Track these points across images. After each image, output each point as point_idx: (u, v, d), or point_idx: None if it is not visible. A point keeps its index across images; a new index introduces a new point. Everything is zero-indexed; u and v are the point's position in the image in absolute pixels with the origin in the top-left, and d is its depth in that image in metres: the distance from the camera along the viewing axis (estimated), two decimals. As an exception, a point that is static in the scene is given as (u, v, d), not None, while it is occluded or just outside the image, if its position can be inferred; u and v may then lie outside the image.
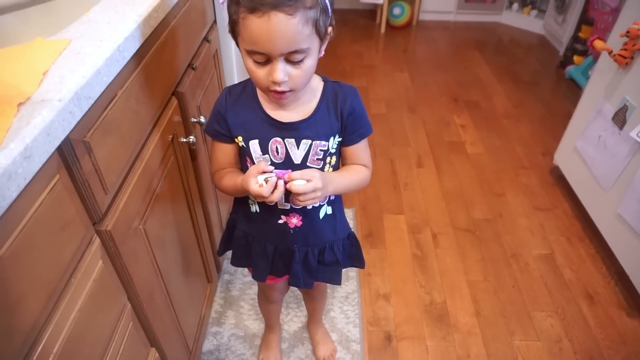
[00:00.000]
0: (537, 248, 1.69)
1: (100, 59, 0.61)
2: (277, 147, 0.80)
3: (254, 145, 0.80)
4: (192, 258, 1.14)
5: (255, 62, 0.69)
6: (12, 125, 0.47)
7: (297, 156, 0.80)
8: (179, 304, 1.02)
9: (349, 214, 1.80)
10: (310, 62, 0.71)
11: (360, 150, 0.87)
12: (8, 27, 0.73)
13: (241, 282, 1.53)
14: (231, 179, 0.84)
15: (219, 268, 1.47)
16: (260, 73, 0.70)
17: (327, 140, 0.81)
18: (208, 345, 1.35)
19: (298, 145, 0.80)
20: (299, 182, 0.74)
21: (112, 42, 0.65)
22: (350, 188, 0.87)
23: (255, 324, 1.41)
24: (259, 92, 0.81)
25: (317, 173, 0.76)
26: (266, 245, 0.93)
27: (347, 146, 0.86)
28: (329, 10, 0.70)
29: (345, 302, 1.48)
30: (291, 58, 0.68)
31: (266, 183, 0.74)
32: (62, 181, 0.56)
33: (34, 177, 0.49)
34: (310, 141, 0.80)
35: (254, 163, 0.82)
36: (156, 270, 0.88)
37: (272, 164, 0.81)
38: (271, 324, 1.32)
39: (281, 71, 0.68)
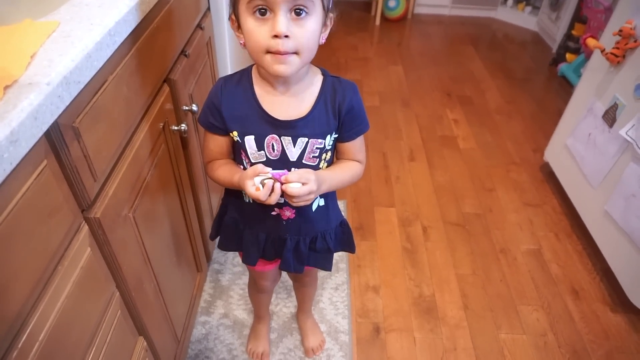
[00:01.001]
0: (525, 243, 1.71)
1: (90, 43, 0.60)
2: (273, 144, 0.79)
3: (250, 141, 0.79)
4: (182, 247, 1.13)
5: (256, 17, 0.66)
6: (-1, 108, 0.46)
7: (293, 154, 0.80)
8: (168, 293, 1.01)
9: (341, 206, 1.80)
10: (313, 25, 0.68)
11: (355, 146, 0.86)
12: (-5, 8, 0.71)
13: (231, 272, 1.53)
14: (226, 173, 0.83)
15: (208, 257, 1.47)
16: (261, 31, 0.66)
17: (324, 138, 0.80)
18: (197, 334, 1.35)
19: (295, 143, 0.79)
20: (295, 184, 0.74)
21: (103, 26, 0.64)
22: (343, 185, 0.87)
23: (244, 314, 1.41)
24: (255, 85, 0.78)
25: (312, 175, 0.76)
26: (258, 234, 0.93)
27: (343, 142, 0.85)
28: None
29: (334, 293, 1.48)
30: (295, 6, 0.65)
31: (263, 186, 0.74)
32: (49, 167, 0.55)
33: (20, 161, 0.48)
34: (307, 139, 0.79)
35: (248, 157, 0.81)
36: (145, 258, 0.87)
37: (268, 160, 0.80)
38: (261, 314, 1.32)
39: (283, 22, 0.64)
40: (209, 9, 1.29)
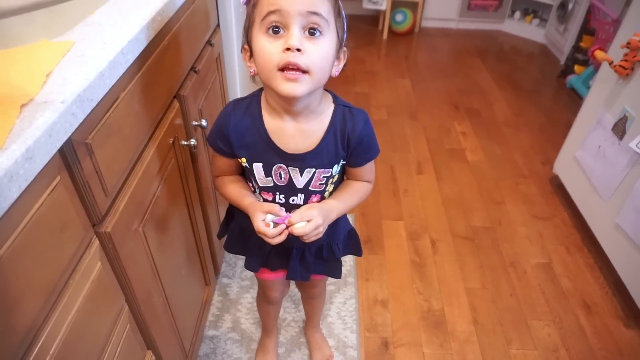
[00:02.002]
0: (535, 257, 1.69)
1: (103, 62, 0.62)
2: (280, 173, 0.80)
3: (258, 168, 0.80)
4: (191, 261, 1.14)
5: (269, 35, 0.65)
6: (15, 127, 0.48)
7: (299, 182, 0.81)
8: (176, 307, 1.02)
9: (349, 219, 1.80)
10: (327, 46, 0.67)
11: (365, 169, 0.86)
12: (13, 28, 0.74)
13: (239, 285, 1.53)
14: (236, 193, 0.85)
15: (217, 271, 1.47)
16: (272, 47, 0.65)
17: (331, 168, 0.81)
18: (205, 348, 1.35)
19: (302, 173, 0.80)
20: (300, 224, 0.76)
21: (115, 45, 0.66)
22: (352, 207, 0.88)
23: (252, 328, 1.41)
24: (265, 114, 0.78)
25: (315, 211, 0.77)
26: (264, 243, 0.93)
27: (353, 167, 0.85)
28: (344, 24, 0.71)
29: (342, 307, 1.48)
30: (309, 24, 0.64)
31: (273, 224, 0.76)
32: (62, 182, 0.56)
33: (35, 178, 0.49)
34: (314, 170, 0.80)
35: (256, 182, 0.82)
36: (154, 272, 0.88)
37: (275, 185, 0.81)
38: (269, 327, 1.32)
39: (297, 35, 0.64)
40: (218, 25, 1.31)
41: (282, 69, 0.66)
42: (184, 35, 0.99)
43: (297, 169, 0.79)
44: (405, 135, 2.37)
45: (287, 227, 0.77)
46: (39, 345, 0.53)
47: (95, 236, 0.66)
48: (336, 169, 0.82)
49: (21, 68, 0.57)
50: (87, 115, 0.59)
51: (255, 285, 1.52)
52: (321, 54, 0.67)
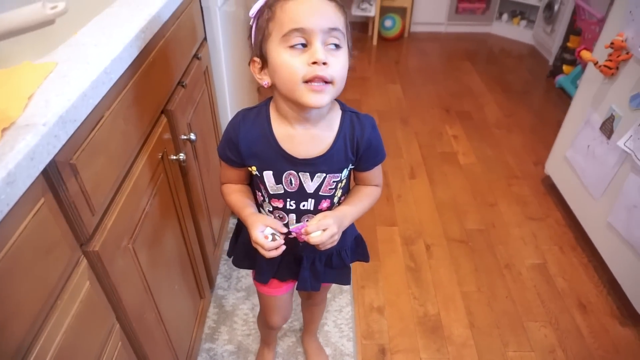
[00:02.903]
0: (530, 258, 1.70)
1: (86, 82, 0.62)
2: (291, 179, 0.81)
3: (268, 176, 0.81)
4: (184, 274, 1.14)
5: (292, 48, 0.67)
6: (-4, 151, 0.48)
7: (310, 187, 0.82)
8: (170, 322, 1.01)
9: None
10: (344, 58, 0.71)
11: (374, 173, 0.88)
12: (-4, 50, 0.74)
13: (234, 297, 1.53)
14: (238, 203, 0.86)
15: (211, 284, 1.47)
16: (297, 61, 0.68)
17: (341, 172, 0.82)
18: (201, 361, 1.34)
19: (312, 178, 0.80)
20: (316, 233, 0.77)
21: (98, 65, 0.66)
22: (364, 212, 0.89)
23: (248, 340, 1.40)
24: (274, 123, 0.78)
25: (330, 219, 0.79)
26: None
27: (362, 172, 0.87)
28: (350, 39, 0.74)
29: (339, 315, 1.47)
30: (330, 39, 0.68)
31: (272, 237, 0.78)
32: (47, 204, 0.56)
33: (17, 201, 0.49)
34: (324, 175, 0.80)
35: (266, 189, 0.83)
36: (146, 288, 0.88)
37: (285, 192, 0.82)
38: (268, 341, 1.32)
39: (322, 50, 0.67)
40: (205, 39, 1.32)
41: (307, 81, 0.68)
42: (170, 50, 0.99)
43: (308, 173, 0.80)
44: (397, 140, 2.38)
45: (304, 235, 0.78)
46: (27, 368, 0.53)
47: (83, 256, 0.66)
48: (345, 173, 0.83)
49: (3, 91, 0.57)
50: (71, 136, 0.59)
51: (251, 296, 1.52)
52: (342, 65, 0.71)
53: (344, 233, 0.92)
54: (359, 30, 3.74)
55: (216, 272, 1.52)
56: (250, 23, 0.73)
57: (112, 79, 0.69)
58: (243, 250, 0.97)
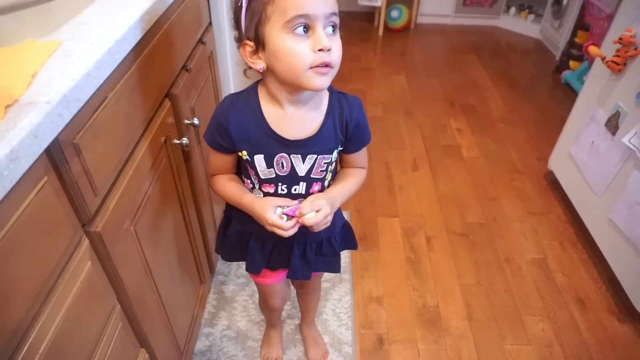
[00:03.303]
0: (530, 252, 1.70)
1: (90, 62, 0.62)
2: (282, 162, 0.80)
3: (259, 160, 0.80)
4: (185, 259, 1.14)
5: (295, 35, 0.67)
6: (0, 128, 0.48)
7: (301, 169, 0.82)
8: (170, 305, 1.02)
9: (344, 216, 1.80)
10: (340, 40, 0.72)
11: (360, 155, 0.89)
12: (0, 29, 0.73)
13: (234, 283, 1.53)
14: (235, 192, 0.85)
15: (212, 269, 1.48)
16: (303, 48, 0.68)
17: (331, 154, 0.82)
18: (200, 346, 1.35)
19: (304, 160, 0.80)
20: (310, 214, 0.78)
21: (103, 45, 0.66)
22: (352, 194, 0.90)
23: (248, 325, 1.41)
24: (263, 105, 0.78)
25: (323, 200, 0.79)
26: (265, 241, 0.94)
27: (349, 153, 0.88)
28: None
29: (337, 304, 1.48)
30: (330, 22, 0.69)
31: (286, 218, 0.78)
32: (50, 183, 0.56)
33: (20, 179, 0.49)
34: (316, 156, 0.81)
35: (257, 174, 0.82)
36: (147, 271, 0.88)
37: (277, 176, 0.82)
38: (273, 322, 1.33)
39: (326, 37, 0.68)
40: (210, 23, 1.31)
41: (312, 67, 0.69)
42: (174, 33, 0.99)
43: (299, 155, 0.80)
44: (400, 132, 2.37)
45: (298, 217, 0.79)
46: (27, 345, 0.53)
47: (84, 236, 0.66)
48: (335, 154, 0.84)
49: (6, 68, 0.57)
50: (75, 116, 0.59)
51: (251, 283, 1.52)
52: (340, 48, 0.72)
53: (333, 220, 0.93)
54: (365, 20, 3.71)
55: (217, 258, 1.52)
56: (240, 4, 0.71)
57: (116, 60, 0.69)
58: (232, 242, 0.97)
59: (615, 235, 1.50)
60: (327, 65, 0.69)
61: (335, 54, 0.70)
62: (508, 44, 3.42)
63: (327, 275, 1.56)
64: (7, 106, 0.50)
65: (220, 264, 1.58)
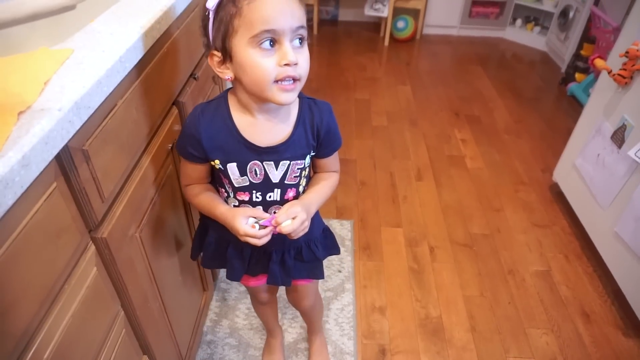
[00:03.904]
0: (534, 264, 1.69)
1: (101, 70, 0.62)
2: (255, 170, 0.81)
3: (232, 168, 0.80)
4: (188, 266, 1.14)
5: (261, 49, 0.68)
6: (12, 134, 0.48)
7: (275, 176, 0.82)
8: (173, 312, 1.02)
9: (347, 225, 1.81)
10: (307, 52, 0.73)
11: (332, 160, 0.90)
12: (15, 36, 0.75)
13: (237, 291, 1.53)
14: (208, 202, 0.85)
15: (215, 277, 1.48)
16: (268, 62, 0.68)
17: (304, 159, 0.83)
18: (202, 354, 1.35)
19: (277, 166, 0.81)
20: (286, 222, 0.78)
21: (114, 53, 0.67)
22: (327, 198, 0.91)
23: (250, 333, 1.41)
24: (233, 112, 0.79)
25: (298, 207, 0.80)
26: (243, 249, 0.93)
27: (321, 159, 0.89)
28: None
29: (340, 314, 1.48)
30: (298, 35, 0.69)
31: (258, 227, 0.78)
32: (59, 189, 0.57)
33: (31, 184, 0.50)
34: (288, 162, 0.81)
35: (231, 183, 0.82)
36: (151, 278, 0.88)
37: (251, 183, 0.82)
38: (271, 328, 1.32)
39: (292, 51, 0.68)
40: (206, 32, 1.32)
41: (278, 80, 0.70)
42: (183, 42, 1.00)
43: (272, 162, 0.80)
44: (405, 141, 2.37)
45: (274, 227, 0.79)
46: (33, 349, 0.54)
47: (91, 242, 0.67)
48: (307, 160, 0.84)
49: (20, 76, 0.58)
50: (84, 122, 0.60)
51: (253, 291, 1.52)
52: (307, 60, 0.72)
53: (312, 224, 0.92)
54: (371, 30, 3.73)
55: (220, 266, 1.52)
56: (207, 14, 0.71)
57: (126, 68, 0.70)
58: (211, 250, 0.96)
59: (620, 249, 1.49)
60: (292, 78, 0.70)
61: (302, 67, 0.71)
62: (514, 56, 3.43)
63: (329, 285, 1.56)
64: (20, 112, 0.51)
65: (223, 272, 1.58)
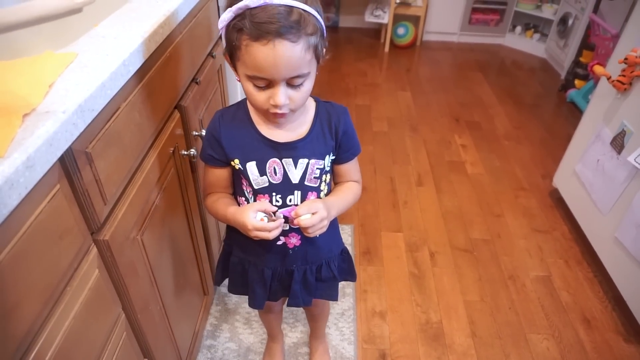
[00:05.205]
0: (534, 270, 1.69)
1: (105, 73, 0.63)
2: (274, 168, 0.81)
3: (252, 167, 0.81)
4: (189, 270, 1.15)
5: (256, 86, 0.71)
6: (17, 136, 0.49)
7: (295, 176, 0.82)
8: (173, 316, 1.02)
9: (348, 230, 1.81)
10: (309, 84, 0.74)
11: (352, 167, 0.90)
12: (19, 40, 0.75)
13: (237, 296, 1.53)
14: (222, 206, 0.85)
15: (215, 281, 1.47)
16: (261, 96, 0.72)
17: (323, 159, 0.83)
18: (202, 358, 1.34)
19: (296, 164, 0.81)
20: (306, 216, 0.77)
21: (117, 57, 0.67)
22: (348, 207, 0.90)
23: (250, 338, 1.41)
24: (252, 112, 0.81)
25: (320, 203, 0.79)
26: (264, 271, 0.93)
27: (340, 164, 0.89)
28: (325, 34, 0.73)
29: (340, 319, 1.47)
30: (293, 82, 0.70)
31: (267, 219, 0.77)
32: (62, 190, 0.57)
33: (35, 186, 0.50)
34: (307, 160, 0.81)
35: (251, 185, 0.83)
36: (152, 281, 0.88)
37: (270, 184, 0.82)
38: (273, 333, 1.32)
39: (283, 95, 0.70)
40: (220, 37, 1.33)
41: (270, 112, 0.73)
42: (186, 47, 1.01)
43: (291, 159, 0.81)
44: (405, 147, 2.38)
45: (293, 218, 0.79)
46: (35, 351, 0.54)
47: (93, 244, 0.67)
48: (327, 160, 0.84)
49: (25, 79, 0.59)
50: (88, 125, 0.60)
51: (253, 296, 1.52)
52: (305, 95, 0.74)
53: (331, 241, 0.94)
54: (371, 37, 3.75)
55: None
56: (220, 30, 0.73)
57: (130, 72, 0.71)
58: (236, 273, 0.96)
59: (621, 254, 1.49)
60: (282, 115, 0.73)
61: (296, 102, 0.73)
62: (513, 62, 3.45)
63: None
64: (25, 115, 0.52)
65: (224, 276, 1.58)
